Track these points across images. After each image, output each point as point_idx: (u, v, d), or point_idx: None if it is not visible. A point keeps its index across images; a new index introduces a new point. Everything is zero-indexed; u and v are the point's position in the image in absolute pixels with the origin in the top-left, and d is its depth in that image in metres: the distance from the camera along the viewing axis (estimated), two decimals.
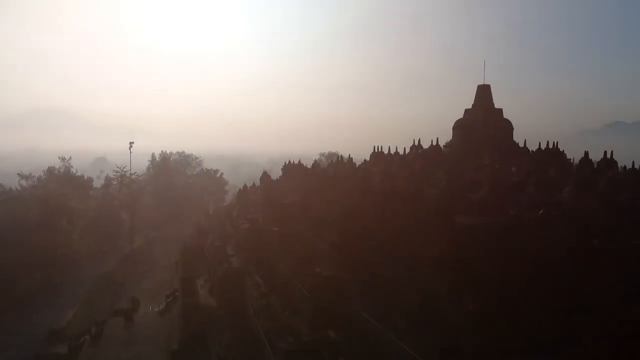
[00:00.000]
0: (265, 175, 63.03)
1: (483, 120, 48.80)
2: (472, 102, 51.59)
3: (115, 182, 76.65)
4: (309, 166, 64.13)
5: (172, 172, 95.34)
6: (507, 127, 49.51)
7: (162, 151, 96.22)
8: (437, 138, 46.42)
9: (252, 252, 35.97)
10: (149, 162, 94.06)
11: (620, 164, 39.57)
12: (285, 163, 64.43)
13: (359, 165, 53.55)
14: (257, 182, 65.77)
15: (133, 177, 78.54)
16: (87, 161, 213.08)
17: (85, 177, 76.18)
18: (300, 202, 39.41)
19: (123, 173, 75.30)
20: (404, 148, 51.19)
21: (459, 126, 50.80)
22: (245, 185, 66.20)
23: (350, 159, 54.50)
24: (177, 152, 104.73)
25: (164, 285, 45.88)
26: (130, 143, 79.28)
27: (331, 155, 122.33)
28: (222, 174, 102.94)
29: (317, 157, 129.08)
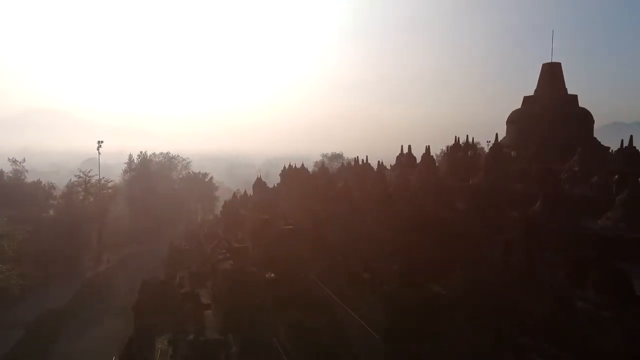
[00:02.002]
0: (259, 183, 50.06)
1: (553, 109, 36.02)
2: (535, 88, 38.88)
3: (80, 189, 63.35)
4: (307, 168, 51.15)
5: (153, 176, 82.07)
6: (587, 118, 36.67)
7: (140, 152, 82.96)
8: (497, 134, 33.48)
9: (235, 311, 23.01)
10: (126, 165, 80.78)
11: None
12: (284, 167, 51.60)
13: (378, 169, 40.74)
14: (258, 179, 52.79)
15: (102, 182, 65.44)
16: (80, 162, 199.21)
17: (45, 183, 63.17)
18: (307, 228, 26.46)
19: (88, 178, 62.14)
20: (445, 147, 38.69)
21: (517, 119, 37.97)
22: (234, 195, 53.16)
23: (369, 162, 41.66)
24: (161, 153, 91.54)
25: (115, 338, 32.89)
26: (99, 142, 66.29)
27: (335, 156, 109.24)
28: (211, 177, 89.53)
29: (318, 158, 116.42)
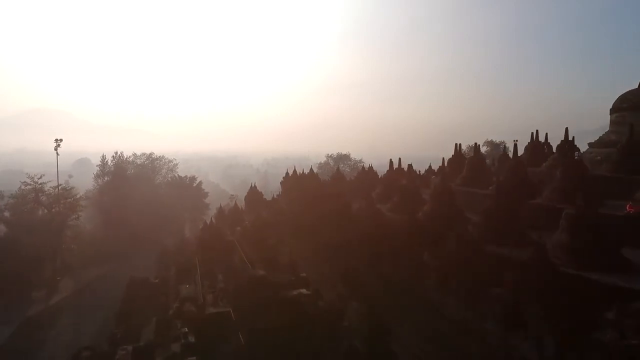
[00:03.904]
0: (253, 194, 37.59)
1: None
2: None
3: (31, 197, 50.64)
4: (304, 169, 38.66)
5: (132, 181, 69.45)
6: None
7: (115, 152, 70.35)
8: (632, 125, 20.99)
9: None
10: (98, 168, 68.14)
11: None
12: (287, 172, 39.20)
13: (443, 178, 28.16)
14: (252, 188, 40.31)
15: (61, 190, 52.75)
16: (73, 162, 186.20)
17: None
18: (336, 295, 13.92)
19: (39, 186, 49.47)
20: (520, 142, 26.71)
21: (638, 104, 25.38)
22: (220, 209, 40.51)
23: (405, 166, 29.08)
24: (143, 154, 78.87)
25: None
26: (57, 141, 53.53)
27: (341, 157, 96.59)
28: (200, 182, 76.87)
29: (319, 158, 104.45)
